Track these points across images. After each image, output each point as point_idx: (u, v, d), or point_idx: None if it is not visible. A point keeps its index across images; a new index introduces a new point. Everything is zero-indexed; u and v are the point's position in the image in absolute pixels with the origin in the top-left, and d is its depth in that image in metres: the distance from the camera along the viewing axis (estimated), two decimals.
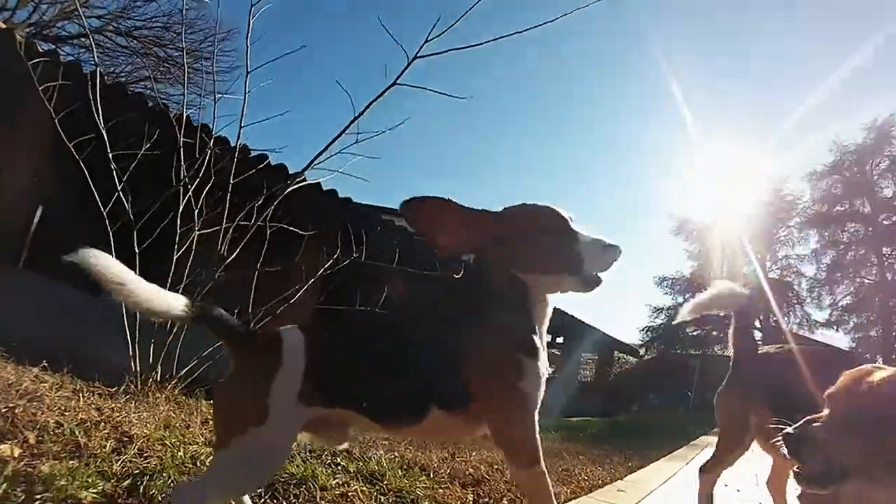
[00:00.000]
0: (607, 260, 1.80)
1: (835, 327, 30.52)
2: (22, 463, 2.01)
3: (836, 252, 31.04)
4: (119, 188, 3.79)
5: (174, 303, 1.63)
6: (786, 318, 30.82)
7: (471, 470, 3.60)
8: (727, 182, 32.54)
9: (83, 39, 17.01)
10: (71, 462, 2.12)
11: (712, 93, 41.85)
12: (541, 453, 1.68)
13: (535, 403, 1.71)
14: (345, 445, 1.92)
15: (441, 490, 2.99)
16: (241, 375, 1.69)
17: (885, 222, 30.02)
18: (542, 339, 1.80)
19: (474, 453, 4.24)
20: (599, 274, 1.81)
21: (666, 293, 31.61)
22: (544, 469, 1.68)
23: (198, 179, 4.00)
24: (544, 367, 1.75)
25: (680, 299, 30.85)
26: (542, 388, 1.73)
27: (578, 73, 49.00)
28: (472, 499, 2.98)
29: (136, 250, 3.74)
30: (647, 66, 39.49)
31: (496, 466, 3.84)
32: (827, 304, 31.16)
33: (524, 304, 1.80)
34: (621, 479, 4.47)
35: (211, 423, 2.99)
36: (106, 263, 1.55)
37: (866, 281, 30.84)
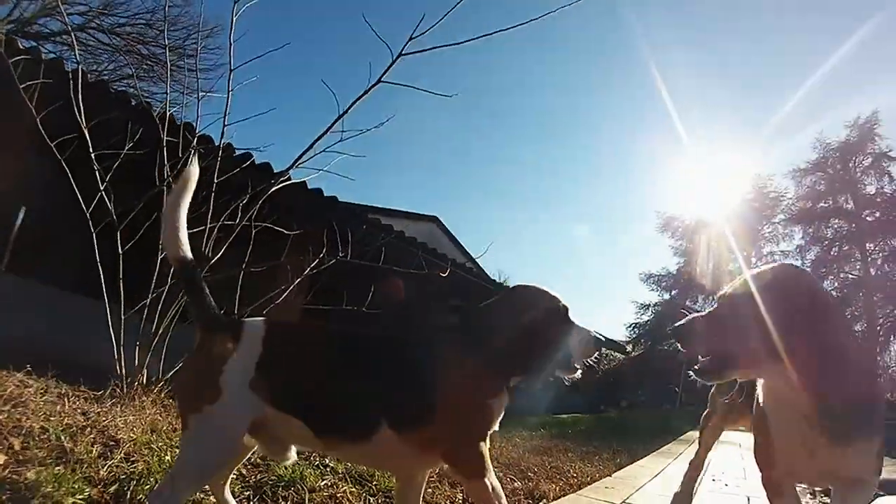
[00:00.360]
0: (590, 352, 1.98)
1: None
2: (7, 470, 1.99)
3: (820, 248, 31.38)
4: (102, 188, 3.74)
5: (186, 247, 1.81)
6: None
7: None
8: (712, 179, 32.75)
9: (65, 37, 16.77)
10: (57, 468, 2.10)
11: (698, 91, 42.07)
12: (489, 464, 1.76)
13: (493, 427, 1.83)
14: (292, 458, 1.91)
15: (430, 489, 2.99)
16: (200, 354, 1.75)
17: (868, 219, 30.38)
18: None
19: None
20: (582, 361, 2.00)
21: (652, 290, 31.77)
22: (493, 477, 1.75)
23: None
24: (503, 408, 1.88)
25: (666, 296, 31.08)
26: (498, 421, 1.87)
27: (567, 70, 49.13)
28: (461, 498, 2.98)
29: (120, 251, 3.70)
30: (633, 64, 39.66)
31: None
32: None
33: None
34: (610, 476, 4.50)
35: None
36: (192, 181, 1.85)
37: (850, 276, 31.19)
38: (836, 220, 31.07)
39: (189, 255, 1.80)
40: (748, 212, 30.33)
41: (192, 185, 1.84)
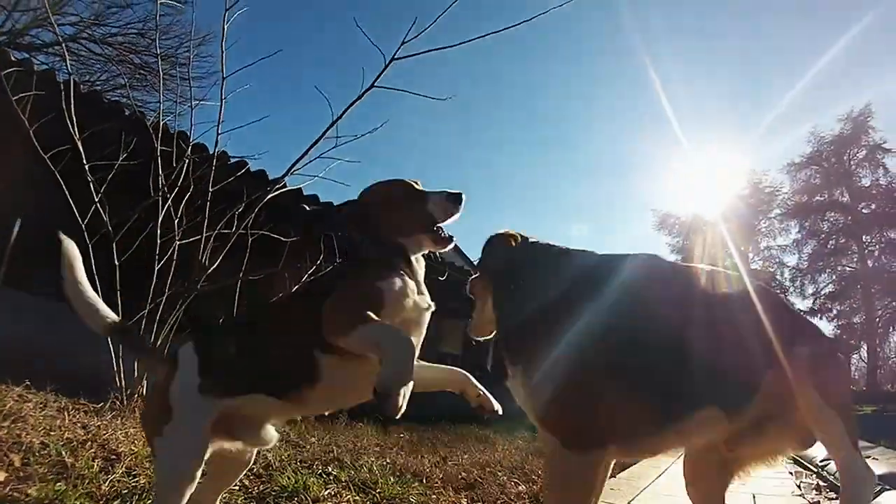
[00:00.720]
0: (448, 208, 1.93)
1: (818, 315, 30.91)
2: (8, 488, 1.98)
3: (817, 241, 31.48)
4: (96, 199, 3.72)
5: (106, 312, 1.90)
6: None
7: (463, 474, 3.59)
8: (708, 176, 32.87)
9: (57, 48, 16.73)
10: (58, 484, 2.08)
11: (693, 90, 42.19)
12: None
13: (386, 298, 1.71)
14: (272, 443, 1.93)
15: (434, 495, 2.98)
16: (153, 388, 1.90)
17: (864, 211, 30.52)
18: (422, 290, 1.89)
19: (466, 456, 4.24)
20: (449, 222, 1.95)
21: None
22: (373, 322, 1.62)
23: (176, 188, 3.94)
24: (419, 301, 1.83)
25: None
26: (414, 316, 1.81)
27: (564, 71, 49.44)
28: (465, 503, 2.96)
29: (117, 262, 3.68)
30: (628, 63, 39.86)
31: (488, 469, 3.84)
32: (810, 293, 31.66)
33: (406, 260, 1.91)
34: (614, 477, 4.47)
35: None
36: (76, 258, 1.89)
37: (848, 269, 31.33)
38: (832, 214, 31.20)
39: (112, 317, 1.90)
40: (744, 208, 30.42)
41: (78, 256, 1.92)
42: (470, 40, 3.99)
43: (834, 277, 31.52)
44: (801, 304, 31.21)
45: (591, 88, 50.43)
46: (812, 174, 31.25)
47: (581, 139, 53.89)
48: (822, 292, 31.48)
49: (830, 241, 31.29)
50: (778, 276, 31.56)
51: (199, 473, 1.75)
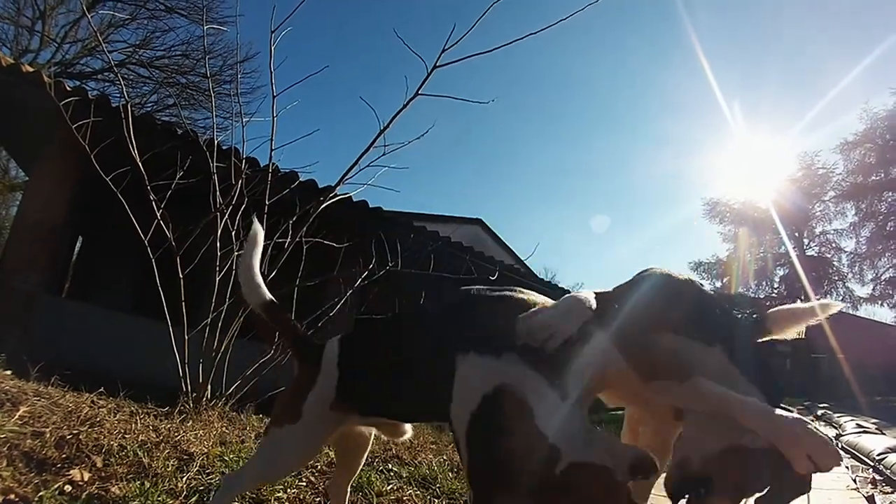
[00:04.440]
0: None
1: (879, 302, 29.54)
2: (94, 487, 2.11)
3: (875, 224, 29.94)
4: (158, 216, 3.89)
5: (265, 291, 1.95)
6: (828, 297, 30.00)
7: None
8: (759, 160, 31.76)
9: (106, 73, 17.56)
10: (138, 483, 2.20)
11: (743, 73, 41.15)
12: None
13: None
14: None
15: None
16: (295, 379, 1.88)
17: None
18: None
19: None
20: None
21: (702, 278, 30.98)
22: None
23: (232, 202, 4.09)
24: None
25: (718, 284, 30.29)
26: None
27: (611, 60, 49.02)
28: None
29: (181, 275, 3.85)
30: (677, 48, 39.22)
31: None
32: (869, 279, 30.16)
33: None
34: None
35: None
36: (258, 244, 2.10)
37: None
38: (890, 193, 29.61)
39: (269, 296, 1.93)
40: (797, 191, 29.26)
41: (260, 243, 2.04)
42: (507, 43, 4.02)
43: (895, 261, 30.06)
44: (861, 291, 29.97)
45: (638, 74, 49.74)
46: (866, 153, 29.67)
47: (628, 126, 53.18)
48: (883, 278, 29.99)
49: (889, 223, 29.78)
50: (835, 262, 30.35)
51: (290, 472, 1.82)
